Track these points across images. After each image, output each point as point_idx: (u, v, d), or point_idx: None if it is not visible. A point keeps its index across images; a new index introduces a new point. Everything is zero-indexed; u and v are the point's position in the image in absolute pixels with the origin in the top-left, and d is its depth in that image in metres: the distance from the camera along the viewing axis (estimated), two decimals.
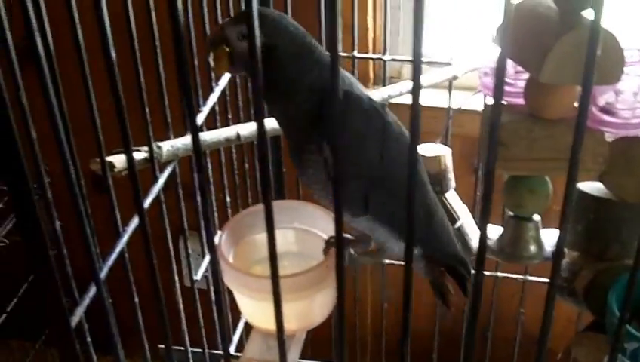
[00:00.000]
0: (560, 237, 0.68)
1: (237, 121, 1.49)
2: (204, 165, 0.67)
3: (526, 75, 1.23)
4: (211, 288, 1.51)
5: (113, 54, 0.71)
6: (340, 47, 1.60)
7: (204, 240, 1.44)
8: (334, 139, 1.12)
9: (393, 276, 2.04)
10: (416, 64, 0.60)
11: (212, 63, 1.17)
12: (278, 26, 1.14)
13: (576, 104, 1.25)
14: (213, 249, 0.74)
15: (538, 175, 1.35)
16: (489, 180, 0.61)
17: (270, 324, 1.31)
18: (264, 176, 0.67)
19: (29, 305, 2.59)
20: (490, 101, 1.36)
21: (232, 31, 1.14)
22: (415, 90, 0.60)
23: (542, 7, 1.16)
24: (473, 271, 1.36)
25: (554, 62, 1.08)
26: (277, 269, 0.70)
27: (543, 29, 1.13)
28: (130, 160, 0.75)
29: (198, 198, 1.37)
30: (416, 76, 0.60)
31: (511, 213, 1.44)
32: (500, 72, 0.56)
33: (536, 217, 1.43)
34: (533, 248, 1.43)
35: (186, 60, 0.63)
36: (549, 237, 1.47)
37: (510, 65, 1.30)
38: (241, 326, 1.63)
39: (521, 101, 1.26)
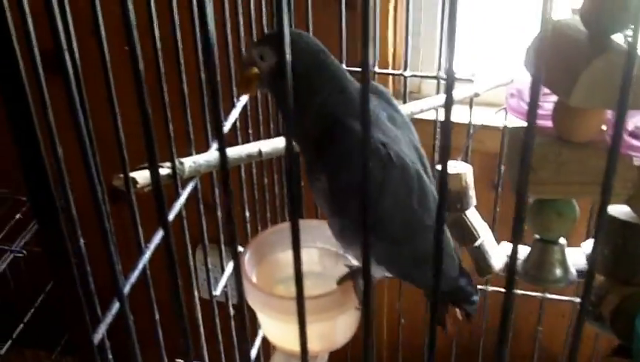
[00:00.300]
0: (591, 263, 0.67)
1: (257, 137, 1.49)
2: (231, 190, 0.66)
3: (553, 97, 1.22)
4: (230, 302, 1.51)
5: (142, 69, 0.71)
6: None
7: (224, 254, 1.44)
8: (335, 178, 1.14)
9: (409, 291, 2.03)
10: (449, 83, 0.59)
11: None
12: (293, 45, 1.14)
13: (604, 127, 1.24)
14: (238, 271, 0.73)
15: (565, 198, 1.34)
16: (521, 206, 0.60)
17: (293, 345, 1.32)
18: (291, 195, 0.67)
19: (46, 315, 2.60)
20: (516, 122, 1.36)
21: (254, 52, 1.17)
22: (447, 111, 0.60)
23: (571, 29, 1.15)
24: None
25: (584, 87, 1.08)
26: (302, 291, 0.70)
27: (573, 52, 1.12)
28: (156, 176, 0.75)
29: (219, 213, 1.37)
30: (448, 96, 0.60)
31: (537, 236, 1.43)
32: (534, 98, 0.55)
33: (562, 240, 1.42)
34: (558, 271, 1.42)
35: (217, 81, 0.62)
36: (574, 258, 1.45)
37: None
38: (258, 342, 1.62)
39: (548, 123, 1.25)
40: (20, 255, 2.38)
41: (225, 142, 0.66)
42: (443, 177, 0.63)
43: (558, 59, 1.13)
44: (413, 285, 1.32)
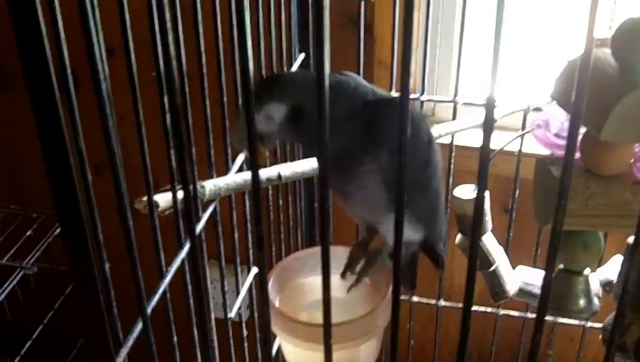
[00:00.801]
0: (622, 298, 0.67)
1: (275, 160, 1.49)
2: (262, 216, 0.66)
3: (581, 130, 1.22)
4: (243, 324, 1.51)
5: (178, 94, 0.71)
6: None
7: (239, 277, 1.44)
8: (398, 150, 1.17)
9: (418, 312, 2.03)
10: (489, 109, 0.60)
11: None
12: (295, 85, 1.16)
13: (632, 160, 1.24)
14: (266, 296, 0.74)
15: (592, 230, 1.33)
16: (556, 240, 0.60)
17: None
18: (323, 223, 0.67)
19: (53, 333, 2.60)
20: (543, 152, 1.36)
21: (260, 118, 1.15)
22: (486, 133, 0.60)
23: (601, 63, 1.15)
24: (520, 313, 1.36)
25: (615, 122, 1.08)
26: (330, 318, 0.70)
27: (603, 87, 1.12)
28: (187, 198, 0.75)
29: (236, 235, 1.37)
30: (488, 119, 0.60)
31: (561, 266, 1.43)
32: (572, 136, 0.56)
33: (587, 271, 1.42)
34: (582, 302, 1.41)
35: (252, 110, 0.63)
36: (595, 285, 1.45)
37: (564, 118, 1.29)
38: None
39: (576, 155, 1.25)
40: (30, 272, 2.39)
41: (258, 162, 0.66)
42: (478, 203, 0.63)
43: (588, 93, 1.13)
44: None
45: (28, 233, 2.50)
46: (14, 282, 2.35)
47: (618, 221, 1.22)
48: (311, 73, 1.20)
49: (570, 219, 1.23)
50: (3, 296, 2.29)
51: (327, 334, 0.70)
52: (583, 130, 1.22)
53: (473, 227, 0.64)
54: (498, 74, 0.58)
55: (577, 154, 1.25)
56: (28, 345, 2.56)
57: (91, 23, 0.73)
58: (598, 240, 1.36)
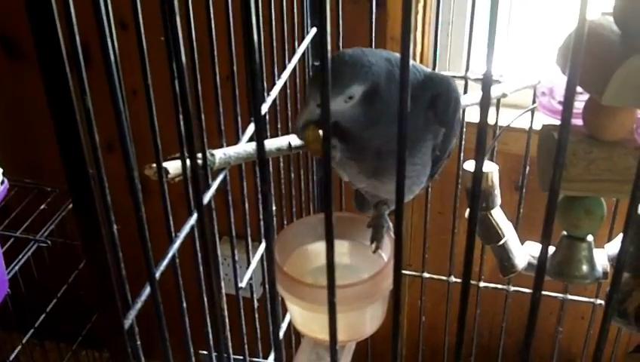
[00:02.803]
0: (620, 259, 0.68)
1: (286, 130, 1.50)
2: (267, 176, 0.67)
3: (584, 96, 1.23)
4: (255, 295, 1.52)
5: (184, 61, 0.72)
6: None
7: (250, 247, 1.45)
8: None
9: (430, 289, 2.04)
10: (487, 83, 0.60)
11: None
12: (372, 65, 1.17)
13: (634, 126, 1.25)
14: (271, 258, 0.75)
15: (594, 196, 1.34)
16: (553, 200, 0.61)
17: (321, 334, 1.33)
18: (326, 189, 0.68)
19: (67, 307, 2.62)
20: (547, 121, 1.36)
21: (340, 99, 1.16)
22: (483, 111, 0.61)
23: (603, 29, 1.16)
24: (531, 289, 1.37)
25: (617, 85, 1.08)
26: (334, 280, 0.71)
27: (605, 52, 1.13)
28: (193, 165, 0.76)
29: (247, 207, 1.38)
30: (485, 95, 0.61)
31: (564, 233, 1.43)
32: (569, 97, 0.56)
33: (590, 237, 1.42)
34: (585, 268, 1.42)
35: (258, 76, 0.64)
36: (600, 257, 1.45)
37: None
38: (283, 328, 1.63)
39: (579, 122, 1.25)
40: (44, 245, 2.40)
41: (261, 126, 0.67)
42: (477, 175, 0.64)
43: (590, 59, 1.13)
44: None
45: (42, 207, 2.51)
46: (28, 254, 2.37)
47: (620, 186, 1.23)
48: (377, 51, 1.21)
49: (572, 184, 1.24)
50: (17, 267, 2.30)
51: (331, 293, 0.71)
52: (586, 96, 1.23)
53: (472, 192, 0.65)
54: (495, 49, 0.59)
55: (580, 121, 1.25)
56: (41, 318, 2.58)
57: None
58: (600, 206, 1.36)
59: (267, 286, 1.51)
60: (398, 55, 1.24)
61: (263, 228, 1.49)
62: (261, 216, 1.42)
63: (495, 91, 1.63)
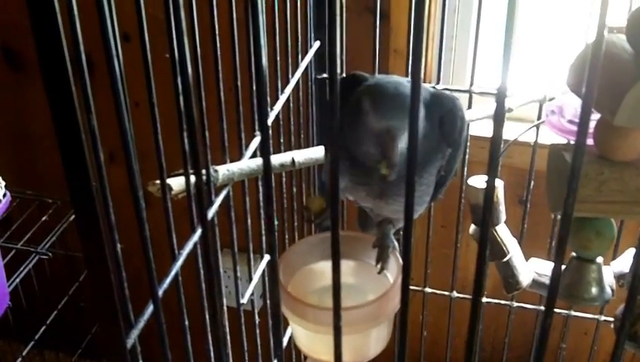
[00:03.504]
0: (633, 284, 0.67)
1: (289, 146, 1.49)
2: (271, 197, 0.66)
3: (595, 116, 1.21)
4: (256, 311, 1.51)
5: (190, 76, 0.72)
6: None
7: (252, 263, 1.44)
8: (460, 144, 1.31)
9: (432, 303, 2.03)
10: (500, 99, 0.59)
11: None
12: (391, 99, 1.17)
13: None
14: (275, 279, 0.74)
15: (605, 217, 1.32)
16: (566, 224, 0.60)
17: (325, 355, 1.32)
18: (333, 206, 0.67)
19: (67, 318, 2.61)
20: (556, 139, 1.35)
21: (394, 154, 1.15)
22: (497, 125, 0.60)
23: (615, 48, 1.14)
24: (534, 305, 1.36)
25: (629, 106, 1.07)
26: (339, 302, 0.70)
27: (617, 72, 1.12)
28: (198, 181, 0.75)
29: (249, 222, 1.37)
30: (499, 109, 0.60)
31: (574, 254, 1.42)
32: (584, 120, 0.55)
33: (599, 259, 1.40)
34: (594, 290, 1.40)
35: (265, 95, 0.63)
36: (606, 274, 1.44)
37: (578, 104, 1.28)
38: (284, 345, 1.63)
39: (589, 141, 1.24)
40: (45, 257, 2.40)
41: (268, 139, 0.66)
42: (489, 191, 0.62)
43: (602, 78, 1.12)
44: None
45: (43, 218, 2.51)
46: (29, 266, 2.36)
47: (632, 208, 1.21)
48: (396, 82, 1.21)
49: (583, 205, 1.22)
50: (18, 280, 2.29)
51: (336, 316, 0.70)
52: (597, 116, 1.21)
53: (484, 210, 0.64)
54: (510, 64, 0.58)
55: (591, 141, 1.24)
56: (42, 330, 2.57)
57: (105, 6, 0.73)
58: (611, 227, 1.35)
59: (270, 309, 1.51)
60: (407, 79, 1.24)
61: (264, 244, 1.48)
62: (263, 231, 1.41)
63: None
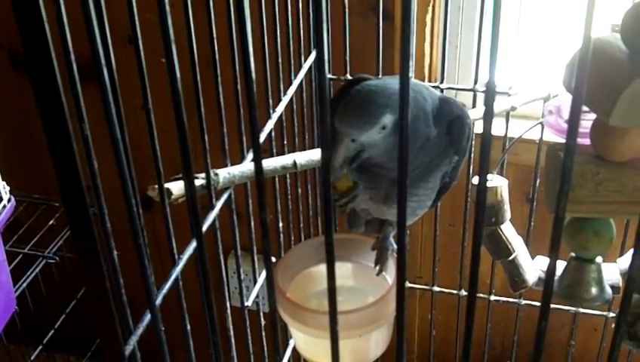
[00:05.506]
0: (629, 284, 0.66)
1: (292, 148, 1.48)
2: (266, 204, 0.66)
3: (591, 115, 1.20)
4: (261, 313, 1.50)
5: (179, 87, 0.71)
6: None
7: (257, 264, 1.44)
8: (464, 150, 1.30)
9: (441, 302, 2.03)
10: (489, 96, 0.59)
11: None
12: (393, 92, 1.15)
13: None
14: (272, 286, 0.73)
15: (603, 217, 1.31)
16: (559, 226, 0.59)
17: (325, 359, 1.31)
18: (327, 210, 0.66)
19: (76, 321, 2.61)
20: (554, 139, 1.34)
21: (375, 129, 1.13)
22: (487, 123, 0.59)
23: (611, 48, 1.13)
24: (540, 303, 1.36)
25: (624, 106, 1.06)
26: (335, 306, 0.69)
27: (613, 71, 1.11)
28: (192, 188, 0.75)
29: (252, 223, 1.37)
30: (488, 108, 0.59)
31: (573, 254, 1.41)
32: (574, 120, 0.55)
33: (599, 259, 1.39)
34: (594, 290, 1.39)
35: (253, 95, 0.62)
36: (609, 273, 1.43)
37: None
38: (288, 352, 1.62)
39: (586, 141, 1.23)
40: (53, 261, 2.40)
41: (260, 152, 0.66)
42: (481, 190, 0.62)
43: (597, 78, 1.11)
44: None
45: (51, 222, 2.51)
46: (37, 271, 2.36)
47: (629, 208, 1.20)
48: (396, 78, 1.20)
49: (580, 206, 1.21)
50: (25, 284, 2.29)
51: (332, 320, 0.69)
52: (593, 115, 1.20)
53: (477, 208, 0.63)
54: (497, 59, 0.57)
55: (588, 141, 1.23)
56: (50, 334, 2.57)
57: (92, 10, 0.72)
58: (609, 227, 1.33)
59: (270, 315, 1.50)
60: (415, 81, 1.23)
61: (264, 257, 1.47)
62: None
63: (504, 104, 1.61)
